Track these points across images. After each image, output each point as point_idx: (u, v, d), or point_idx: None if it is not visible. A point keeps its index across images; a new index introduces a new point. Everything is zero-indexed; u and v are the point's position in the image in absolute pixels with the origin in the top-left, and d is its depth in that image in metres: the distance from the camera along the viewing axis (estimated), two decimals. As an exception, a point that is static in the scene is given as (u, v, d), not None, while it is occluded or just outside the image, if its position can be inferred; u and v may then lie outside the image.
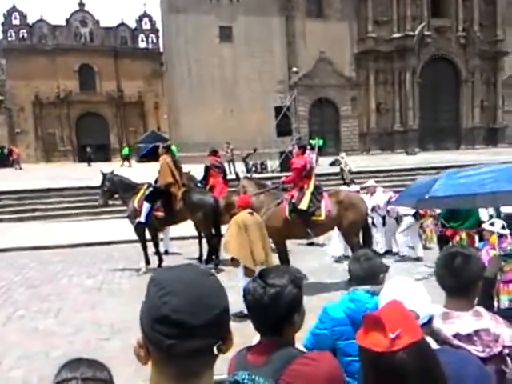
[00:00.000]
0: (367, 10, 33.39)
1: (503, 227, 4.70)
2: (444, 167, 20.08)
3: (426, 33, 33.84)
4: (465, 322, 1.77)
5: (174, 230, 10.22)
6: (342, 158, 19.80)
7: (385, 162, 23.85)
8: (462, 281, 1.81)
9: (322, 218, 6.94)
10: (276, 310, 1.47)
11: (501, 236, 4.61)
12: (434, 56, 34.55)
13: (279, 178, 10.89)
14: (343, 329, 2.20)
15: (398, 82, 33.97)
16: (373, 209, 8.94)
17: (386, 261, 9.26)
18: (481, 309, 1.83)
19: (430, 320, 1.65)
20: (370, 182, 9.88)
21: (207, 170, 9.55)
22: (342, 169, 19.19)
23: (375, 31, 33.54)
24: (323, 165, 22.64)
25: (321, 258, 9.40)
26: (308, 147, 9.65)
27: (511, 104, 37.38)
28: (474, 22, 35.16)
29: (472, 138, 35.31)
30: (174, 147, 20.81)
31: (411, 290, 1.65)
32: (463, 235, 6.97)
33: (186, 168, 9.86)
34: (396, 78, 33.98)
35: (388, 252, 9.31)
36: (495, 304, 3.50)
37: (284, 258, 7.22)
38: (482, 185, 2.82)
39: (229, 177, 10.90)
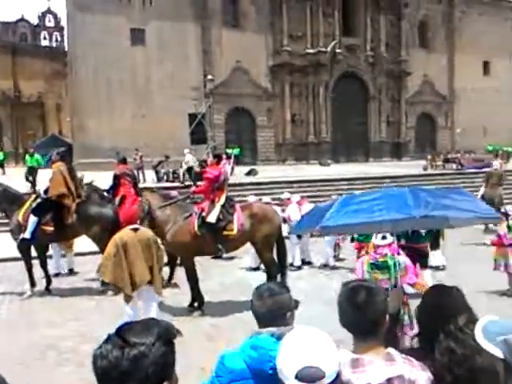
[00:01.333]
0: (282, 24, 34.12)
1: (383, 237, 4.81)
2: (355, 178, 21.12)
3: (338, 50, 35.33)
4: (376, 368, 1.63)
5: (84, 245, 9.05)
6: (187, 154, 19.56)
7: (300, 172, 24.15)
8: (369, 317, 1.72)
9: (234, 232, 6.59)
10: (139, 379, 1.14)
11: (378, 246, 4.76)
12: (345, 72, 36.11)
13: (189, 187, 10.35)
14: (243, 383, 1.84)
15: (312, 96, 34.94)
16: (284, 221, 8.87)
17: (307, 272, 8.94)
18: (393, 351, 1.71)
19: (338, 375, 1.55)
20: (286, 195, 9.97)
21: (117, 178, 8.78)
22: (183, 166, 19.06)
23: (290, 45, 34.34)
24: (239, 174, 22.47)
25: (233, 273, 8.93)
26: (224, 156, 9.41)
27: (413, 120, 40.23)
28: (381, 42, 37.38)
29: (379, 151, 37.29)
30: (37, 155, 19.21)
31: (315, 344, 1.54)
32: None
33: (89, 176, 8.99)
34: (310, 92, 34.94)
35: (307, 263, 9.46)
36: None
37: (191, 275, 6.74)
38: (372, 212, 2.67)
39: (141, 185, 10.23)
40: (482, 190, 13.83)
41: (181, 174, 19.72)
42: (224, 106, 32.32)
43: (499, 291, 7.59)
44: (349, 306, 1.74)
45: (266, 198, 9.88)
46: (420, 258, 7.06)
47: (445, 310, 1.86)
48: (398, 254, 4.85)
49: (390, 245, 4.81)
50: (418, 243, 7.17)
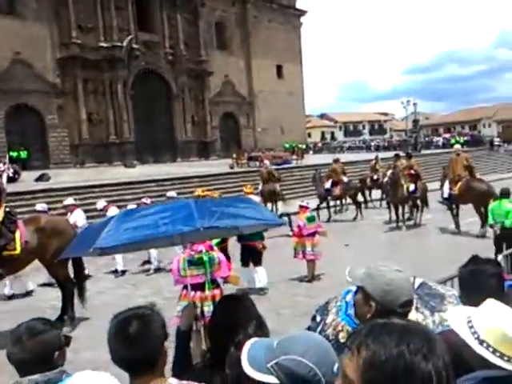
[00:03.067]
0: (69, 14, 31.51)
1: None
2: (163, 180, 20.46)
3: (135, 46, 34.31)
4: None
5: None
6: None
7: (101, 175, 22.57)
8: (144, 350, 1.60)
9: (18, 251, 6.14)
10: None
11: (193, 243, 4.94)
12: (144, 70, 35.24)
13: None
14: None
15: (109, 93, 33.12)
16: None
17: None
18: (174, 380, 1.69)
19: None
20: (69, 201, 9.74)
21: None
22: None
23: (80, 37, 32.06)
24: (28, 180, 19.68)
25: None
26: (4, 161, 8.25)
27: (217, 120, 41.65)
28: (179, 40, 37.54)
29: (187, 151, 37.47)
30: None
31: None
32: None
33: None
34: (107, 89, 33.07)
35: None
36: None
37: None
38: (157, 227, 2.56)
39: None
40: (260, 187, 15.96)
41: None
42: (2, 104, 28.33)
43: (299, 277, 8.47)
44: (119, 341, 1.61)
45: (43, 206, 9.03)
46: (254, 255, 7.66)
47: (235, 320, 1.83)
48: (212, 249, 5.13)
49: (204, 241, 4.97)
50: (251, 241, 7.52)
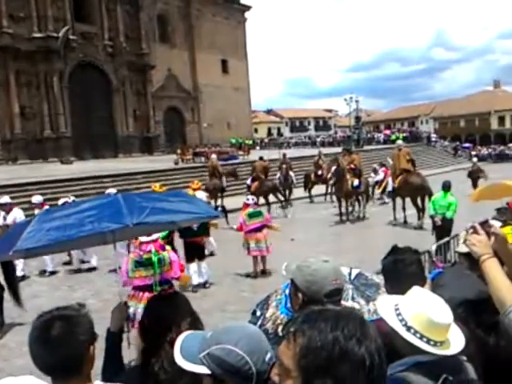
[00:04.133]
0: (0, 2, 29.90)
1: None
2: (102, 176, 19.80)
3: (72, 37, 33.07)
4: None
5: None
6: None
7: (36, 172, 21.54)
8: (68, 353, 1.51)
9: None
10: None
11: (142, 243, 5.00)
12: (82, 62, 34.00)
13: None
14: None
15: (44, 86, 31.71)
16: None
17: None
18: None
19: None
20: (5, 199, 9.39)
21: None
22: None
23: (12, 27, 30.54)
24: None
25: None
26: None
27: (161, 114, 40.85)
28: (119, 32, 36.45)
29: (129, 146, 36.45)
30: None
31: None
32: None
33: None
34: (42, 81, 31.64)
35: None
36: None
37: None
38: (82, 225, 2.42)
39: None
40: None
41: None
42: None
43: (246, 273, 8.49)
44: (40, 344, 1.53)
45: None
46: (198, 250, 7.70)
47: (166, 319, 1.79)
48: (164, 249, 5.06)
49: (155, 241, 4.98)
50: (195, 237, 7.51)
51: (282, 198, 17.14)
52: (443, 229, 8.83)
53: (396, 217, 13.10)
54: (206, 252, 8.79)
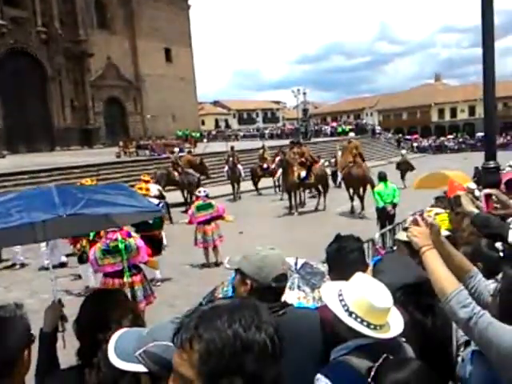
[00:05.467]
0: None
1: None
2: (38, 171, 18.95)
3: (1, 22, 31.48)
4: None
5: None
6: None
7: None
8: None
9: None
10: None
11: (108, 232, 5.13)
12: (13, 48, 32.35)
13: None
14: None
15: (-29, 74, 29.85)
16: None
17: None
18: None
19: None
20: None
21: None
22: None
23: None
24: None
25: None
26: None
27: (101, 105, 39.52)
28: (54, 18, 34.89)
29: (66, 138, 35.00)
30: None
31: None
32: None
33: None
34: (-32, 68, 29.75)
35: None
36: None
37: None
38: (8, 215, 2.25)
39: None
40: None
41: None
42: None
43: (194, 266, 8.65)
44: None
45: None
46: (154, 244, 7.40)
47: (106, 316, 1.75)
48: (130, 236, 5.23)
49: (121, 229, 5.04)
50: (150, 231, 7.39)
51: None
52: (390, 216, 9.34)
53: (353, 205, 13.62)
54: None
